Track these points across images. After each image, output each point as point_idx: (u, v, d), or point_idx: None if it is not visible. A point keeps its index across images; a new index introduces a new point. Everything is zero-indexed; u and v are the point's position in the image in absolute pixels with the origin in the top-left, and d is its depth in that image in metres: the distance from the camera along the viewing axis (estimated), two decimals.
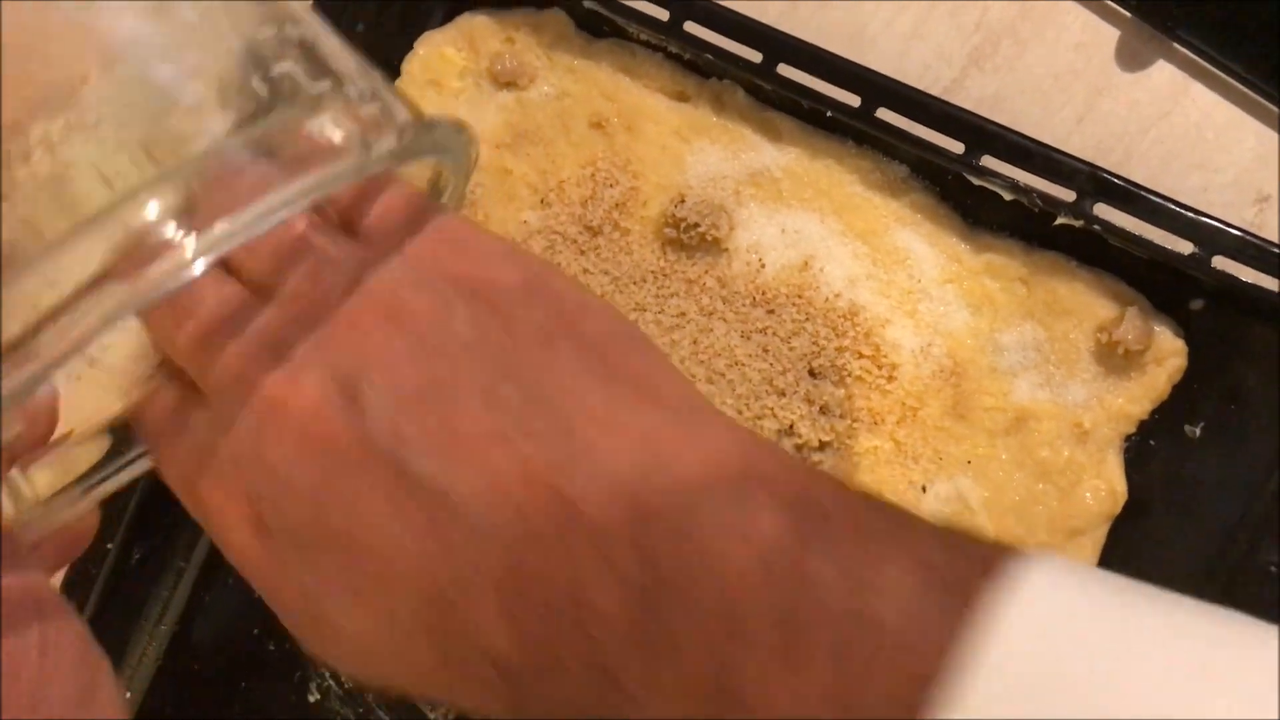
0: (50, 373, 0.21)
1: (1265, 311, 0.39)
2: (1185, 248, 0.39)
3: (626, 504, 0.22)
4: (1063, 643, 0.18)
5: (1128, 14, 0.43)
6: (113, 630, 0.47)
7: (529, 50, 0.48)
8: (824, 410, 0.44)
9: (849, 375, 0.44)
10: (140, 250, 0.20)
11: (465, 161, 0.26)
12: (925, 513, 0.44)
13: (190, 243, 0.20)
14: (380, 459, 0.23)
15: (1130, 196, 0.39)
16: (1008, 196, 0.41)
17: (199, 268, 0.21)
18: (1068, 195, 0.40)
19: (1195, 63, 0.42)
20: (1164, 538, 0.41)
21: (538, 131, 0.48)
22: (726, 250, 0.46)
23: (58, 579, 0.45)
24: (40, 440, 0.27)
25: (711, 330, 0.45)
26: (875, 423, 0.44)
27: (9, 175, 0.21)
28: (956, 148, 0.41)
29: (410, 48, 0.50)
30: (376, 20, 0.49)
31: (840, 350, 0.44)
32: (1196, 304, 0.41)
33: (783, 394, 0.44)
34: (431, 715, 0.46)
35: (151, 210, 0.21)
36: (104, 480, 0.27)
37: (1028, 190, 0.41)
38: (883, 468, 0.44)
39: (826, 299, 0.45)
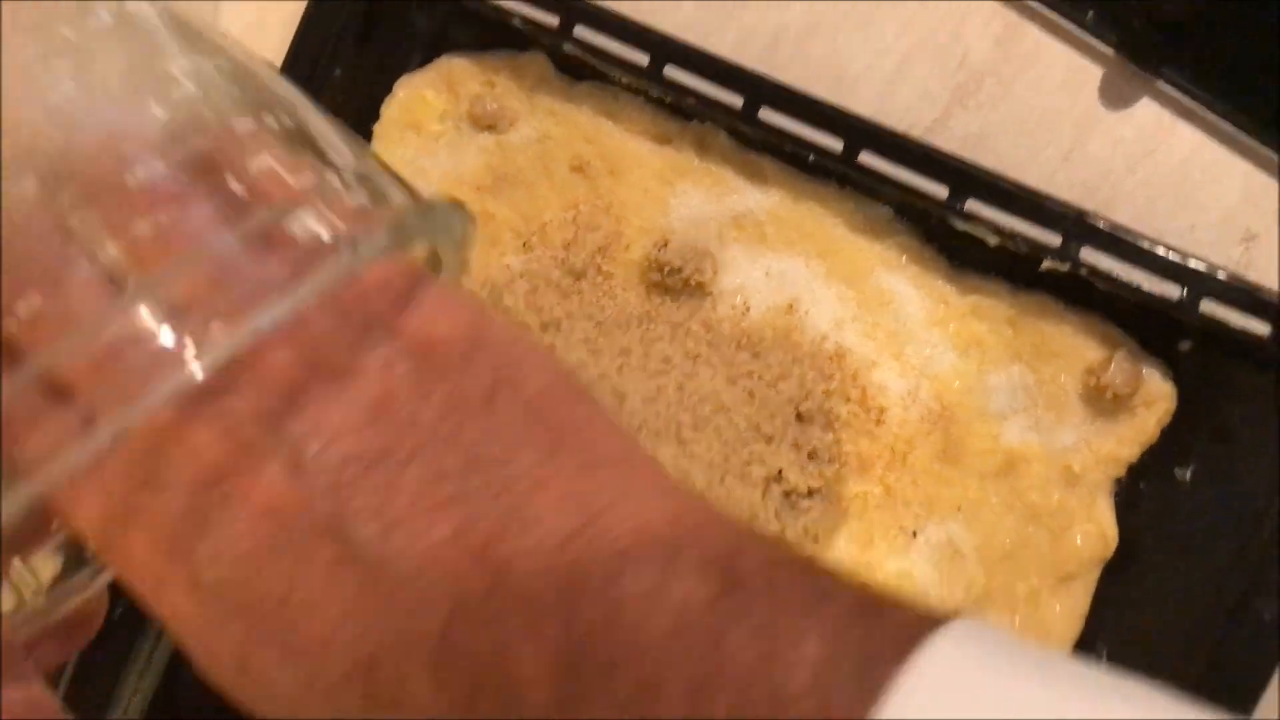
0: (53, 491, 0.21)
1: (1255, 356, 0.39)
2: (1173, 291, 0.39)
3: (555, 570, 0.22)
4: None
5: (1111, 52, 0.43)
6: (96, 687, 0.47)
7: (509, 93, 0.48)
8: (812, 456, 0.44)
9: (837, 419, 0.44)
10: (138, 360, 0.20)
11: (462, 240, 0.25)
12: (916, 560, 0.44)
13: (190, 357, 0.20)
14: (320, 526, 0.23)
15: (1116, 241, 0.39)
16: (993, 241, 0.41)
17: (198, 377, 0.20)
18: (1053, 239, 0.40)
19: (1180, 101, 0.42)
20: (1157, 583, 0.41)
21: (519, 175, 0.48)
22: (711, 294, 0.45)
23: None
24: (42, 528, 0.27)
25: (697, 375, 0.45)
26: (864, 467, 0.44)
27: None
28: (941, 191, 0.41)
29: (389, 90, 0.49)
30: (354, 63, 0.48)
31: (827, 394, 0.44)
32: (1185, 345, 0.41)
33: (770, 440, 0.44)
34: None
35: (145, 317, 0.20)
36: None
37: (1013, 235, 0.40)
38: (873, 513, 0.44)
39: (813, 342, 0.44)
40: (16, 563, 0.26)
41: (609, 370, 0.45)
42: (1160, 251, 0.39)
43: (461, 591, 0.22)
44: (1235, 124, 0.41)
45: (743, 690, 0.20)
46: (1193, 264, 0.38)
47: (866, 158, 0.42)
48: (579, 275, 0.46)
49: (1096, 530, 0.42)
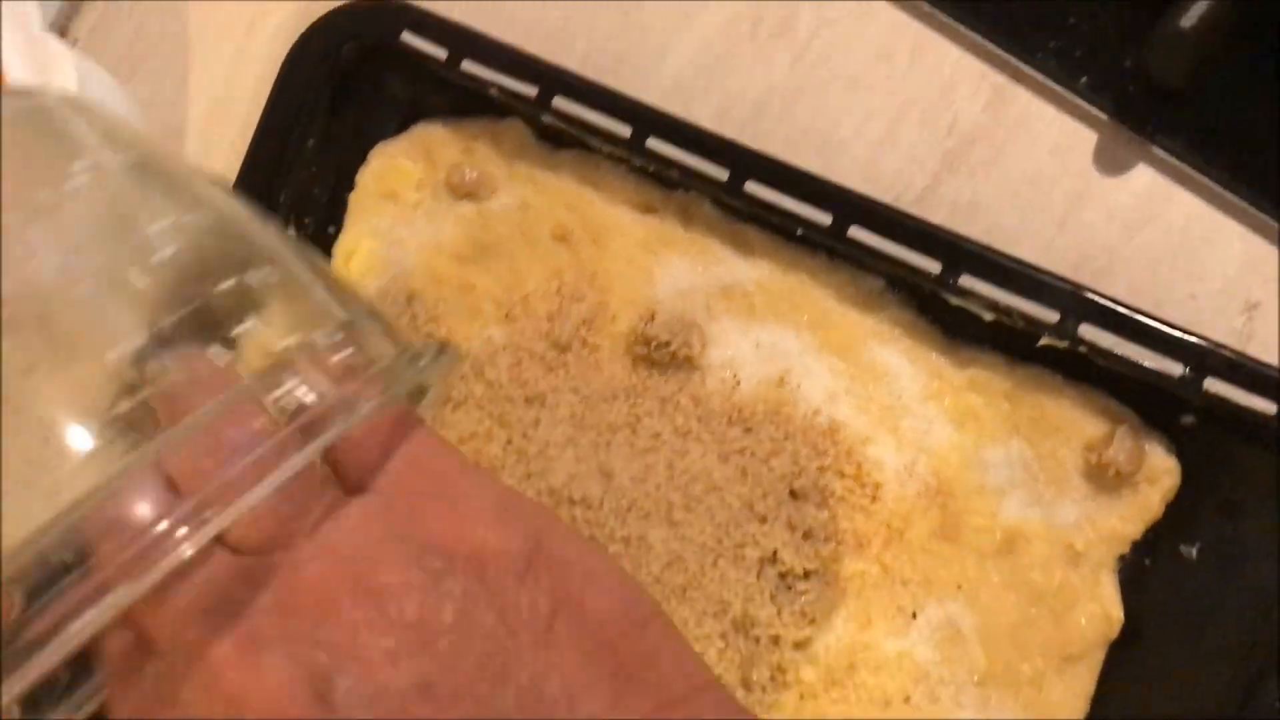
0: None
1: (1260, 434, 0.38)
2: (1175, 369, 0.38)
3: None
4: None
5: (1105, 117, 0.42)
6: None
7: (488, 161, 0.47)
8: (807, 535, 0.42)
9: (831, 496, 0.43)
10: (130, 537, 0.20)
11: (450, 379, 0.24)
12: (916, 641, 0.42)
13: (184, 532, 0.20)
14: None
15: (1116, 317, 0.38)
16: (988, 317, 0.40)
17: (189, 552, 0.20)
18: (1051, 316, 0.39)
19: (1177, 167, 0.41)
20: (1164, 665, 0.40)
21: (500, 244, 0.46)
22: (700, 367, 0.44)
23: None
24: None
25: (688, 452, 0.43)
26: (861, 545, 0.42)
27: None
28: (933, 266, 0.40)
29: (364, 159, 0.48)
30: (327, 132, 0.47)
31: (822, 470, 0.43)
32: (1188, 419, 0.40)
33: (764, 520, 0.43)
34: None
35: (137, 491, 0.20)
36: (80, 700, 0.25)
37: (1009, 311, 0.39)
38: (870, 592, 0.42)
39: (805, 416, 0.43)
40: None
41: (597, 446, 0.44)
42: (1162, 328, 0.38)
43: None
44: (1233, 190, 0.40)
45: None
46: (1195, 341, 0.37)
47: (856, 232, 0.40)
48: (564, 348, 0.45)
49: (1101, 610, 0.41)
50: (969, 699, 0.41)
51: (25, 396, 0.20)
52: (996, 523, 0.42)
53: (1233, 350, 0.37)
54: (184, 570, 0.21)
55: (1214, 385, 0.38)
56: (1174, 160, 0.41)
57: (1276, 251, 0.40)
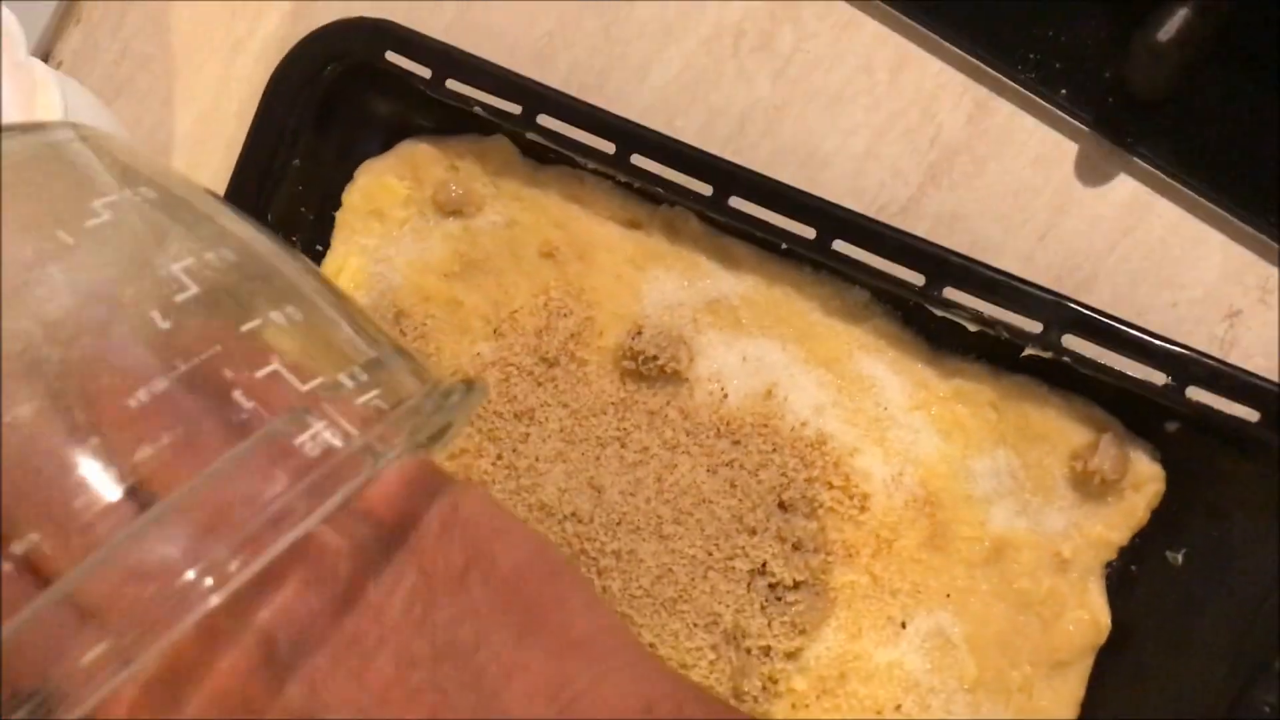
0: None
1: (1244, 441, 0.38)
2: (1158, 378, 0.38)
3: None
4: None
5: (1086, 128, 0.42)
6: None
7: (474, 177, 0.47)
8: (797, 546, 0.43)
9: (820, 507, 0.43)
10: (158, 592, 0.20)
11: (475, 411, 0.25)
12: (906, 650, 0.43)
13: (208, 588, 0.20)
14: (294, 717, 0.22)
15: (1099, 327, 0.38)
16: (973, 328, 0.40)
17: (215, 602, 0.20)
18: (1034, 327, 0.39)
19: (1158, 176, 0.41)
20: (1153, 670, 0.40)
21: (487, 261, 0.47)
22: (688, 380, 0.44)
23: None
24: None
25: (677, 466, 0.44)
26: (850, 555, 0.43)
27: None
28: (917, 279, 0.40)
29: (350, 177, 0.48)
30: (313, 151, 0.47)
31: (810, 481, 0.43)
32: (1172, 426, 0.40)
33: (753, 532, 0.43)
34: None
35: (163, 543, 0.20)
36: None
37: (993, 322, 0.39)
38: (860, 602, 0.43)
39: (793, 428, 0.43)
40: None
41: (586, 461, 0.44)
42: (1144, 338, 0.38)
43: None
44: (1214, 199, 0.41)
45: None
46: (1177, 350, 0.38)
47: (840, 245, 0.41)
48: (552, 363, 0.45)
49: (1089, 616, 0.41)
50: (959, 707, 0.42)
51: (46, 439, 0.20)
52: (984, 532, 0.42)
53: (1214, 359, 0.37)
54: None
55: (1197, 393, 0.38)
56: (1154, 170, 0.41)
57: (1258, 259, 0.41)
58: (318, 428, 0.21)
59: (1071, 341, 0.39)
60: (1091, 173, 0.42)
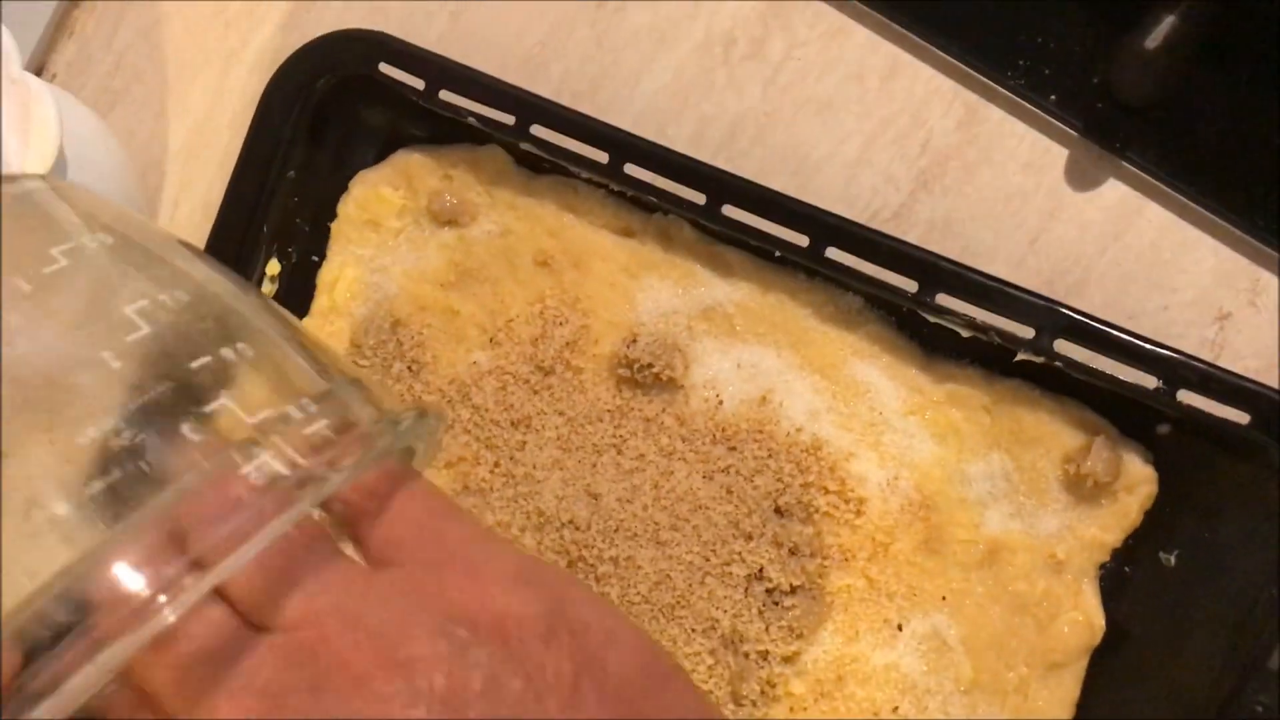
0: None
1: (1235, 443, 0.38)
2: (1150, 381, 0.38)
3: None
4: None
5: (1074, 133, 0.42)
6: None
7: (468, 187, 0.47)
8: (793, 551, 0.43)
9: (816, 511, 0.43)
10: (127, 593, 0.20)
11: (436, 438, 0.25)
12: (903, 652, 0.43)
13: (163, 604, 0.20)
14: None
15: (1091, 332, 0.39)
16: (965, 334, 0.40)
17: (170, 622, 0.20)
18: (1027, 332, 0.39)
19: (1147, 181, 0.42)
20: (1147, 671, 0.41)
21: (483, 270, 0.47)
22: (683, 387, 0.45)
23: None
24: None
25: (673, 473, 0.44)
26: (846, 559, 0.43)
27: None
28: (910, 285, 0.40)
29: (345, 188, 0.48)
30: (308, 163, 0.47)
31: (805, 486, 0.43)
32: (1164, 429, 0.41)
33: (750, 537, 0.43)
34: None
35: (129, 553, 0.20)
36: None
37: (985, 328, 0.40)
38: (856, 606, 0.43)
39: (788, 434, 0.44)
40: None
41: (583, 468, 0.44)
42: (1136, 342, 0.38)
43: None
44: (1203, 203, 0.41)
45: None
46: (1168, 354, 0.38)
47: (833, 252, 0.41)
48: (548, 371, 0.46)
49: (1083, 618, 0.41)
50: (956, 708, 0.42)
51: (7, 477, 0.21)
52: (979, 534, 0.42)
53: (1205, 362, 0.38)
54: (189, 635, 0.22)
55: (1188, 396, 0.38)
56: (1144, 175, 0.42)
57: (1247, 262, 0.41)
58: (263, 457, 0.21)
59: (1064, 346, 0.39)
60: (1081, 178, 0.42)
